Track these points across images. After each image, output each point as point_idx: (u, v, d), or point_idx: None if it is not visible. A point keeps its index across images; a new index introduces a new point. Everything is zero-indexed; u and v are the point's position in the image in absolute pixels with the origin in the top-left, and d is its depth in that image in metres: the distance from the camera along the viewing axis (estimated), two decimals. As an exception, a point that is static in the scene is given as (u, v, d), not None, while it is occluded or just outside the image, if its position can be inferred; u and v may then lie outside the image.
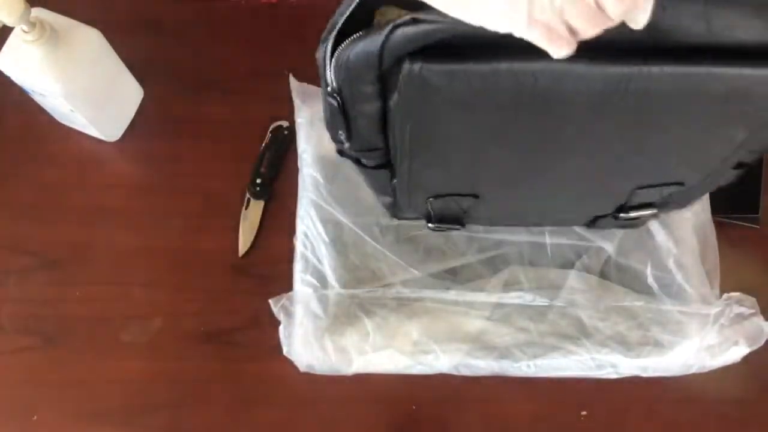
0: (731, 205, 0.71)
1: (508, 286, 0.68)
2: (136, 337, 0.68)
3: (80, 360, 0.67)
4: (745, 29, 0.41)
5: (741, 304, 0.67)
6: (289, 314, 0.66)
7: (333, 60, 0.45)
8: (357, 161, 0.57)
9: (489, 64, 0.40)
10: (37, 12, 0.62)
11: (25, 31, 0.60)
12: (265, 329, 0.66)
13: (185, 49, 0.79)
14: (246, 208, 0.72)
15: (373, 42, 0.42)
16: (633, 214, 0.62)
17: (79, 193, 0.73)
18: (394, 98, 0.45)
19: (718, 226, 0.69)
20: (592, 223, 0.66)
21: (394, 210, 0.65)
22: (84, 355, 0.68)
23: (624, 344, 0.66)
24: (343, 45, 0.44)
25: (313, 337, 0.65)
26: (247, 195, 0.73)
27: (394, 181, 0.58)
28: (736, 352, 0.65)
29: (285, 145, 0.75)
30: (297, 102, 0.71)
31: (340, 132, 0.52)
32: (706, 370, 0.66)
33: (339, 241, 0.67)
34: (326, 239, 0.67)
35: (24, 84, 0.66)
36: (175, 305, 0.69)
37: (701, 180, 0.57)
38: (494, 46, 0.39)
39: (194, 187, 0.73)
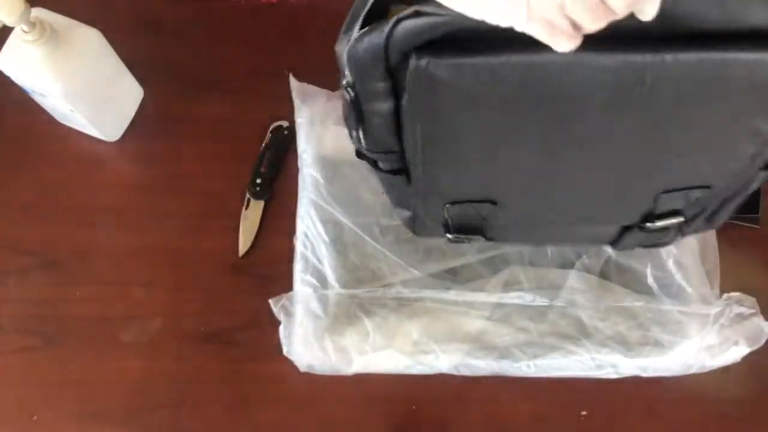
0: (731, 205, 0.71)
1: (508, 286, 0.68)
2: (136, 337, 0.68)
3: (80, 360, 0.67)
4: (761, 11, 0.40)
5: (741, 304, 0.67)
6: (289, 314, 0.66)
7: (345, 53, 0.44)
8: (374, 164, 0.56)
9: (496, 57, 0.40)
10: (37, 12, 0.62)
11: (25, 31, 0.60)
12: (265, 329, 0.66)
13: (185, 49, 0.79)
14: (246, 208, 0.72)
15: (378, 36, 0.42)
16: (660, 224, 0.58)
17: (79, 193, 0.73)
18: (406, 97, 0.45)
19: (718, 226, 0.69)
20: (619, 239, 0.63)
21: (414, 225, 0.63)
22: (84, 355, 0.68)
23: (624, 344, 0.66)
24: (353, 39, 0.43)
25: (313, 337, 0.65)
26: (247, 195, 0.73)
27: (409, 190, 0.56)
28: (736, 352, 0.65)
29: (285, 145, 0.75)
30: (297, 102, 0.71)
31: (354, 131, 0.51)
32: (706, 370, 0.66)
33: (339, 241, 0.67)
34: (326, 239, 0.67)
35: (24, 84, 0.66)
36: (175, 305, 0.69)
37: (729, 182, 0.54)
38: (501, 39, 0.38)
39: (194, 187, 0.73)
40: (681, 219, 0.58)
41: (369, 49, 0.43)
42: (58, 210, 0.73)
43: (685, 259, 0.68)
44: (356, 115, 0.49)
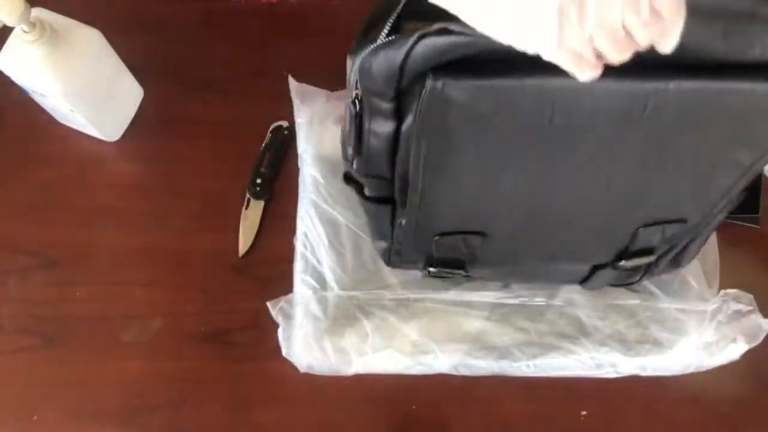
0: (731, 204, 0.71)
1: (506, 286, 0.68)
2: (136, 337, 0.68)
3: (80, 360, 0.67)
4: (764, 46, 0.41)
5: (738, 300, 0.67)
6: (287, 317, 0.66)
7: (358, 66, 0.44)
8: (360, 190, 0.56)
9: (510, 80, 0.40)
10: (37, 12, 0.62)
11: (25, 31, 0.60)
12: (265, 329, 0.66)
13: (185, 49, 0.79)
14: (246, 208, 0.72)
15: (397, 51, 0.42)
16: (632, 263, 0.61)
17: (79, 193, 0.73)
18: (409, 121, 0.45)
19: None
20: (589, 277, 0.65)
21: (390, 257, 0.63)
22: (84, 355, 0.68)
23: (623, 343, 0.66)
24: (367, 51, 0.43)
25: (313, 338, 0.65)
26: (247, 195, 0.73)
27: (400, 221, 0.57)
28: (735, 350, 0.66)
29: (285, 145, 0.75)
30: (296, 102, 0.72)
31: (350, 149, 0.51)
32: (705, 368, 0.66)
33: (339, 242, 0.67)
34: (326, 240, 0.67)
35: (24, 84, 0.66)
36: (175, 305, 0.69)
37: (702, 218, 0.57)
38: (517, 62, 0.39)
39: (194, 187, 0.73)
40: (652, 258, 0.61)
41: (384, 64, 0.43)
42: (58, 210, 0.73)
43: (685, 258, 0.68)
44: (357, 132, 0.49)
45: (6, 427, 0.66)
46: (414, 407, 0.67)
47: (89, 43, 0.66)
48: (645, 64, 0.39)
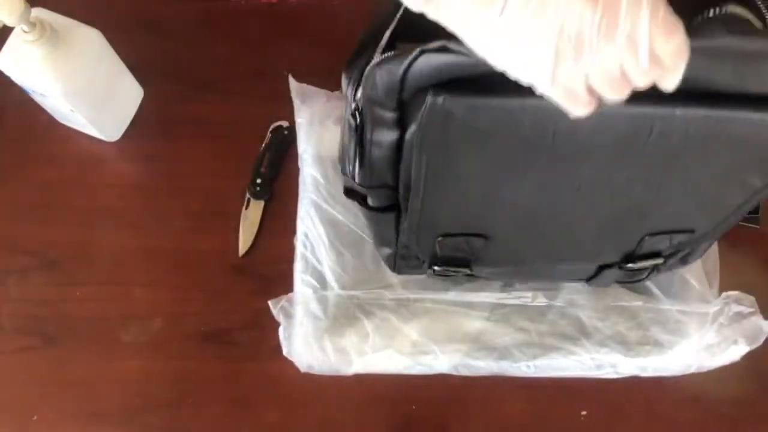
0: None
1: (507, 286, 0.68)
2: (136, 337, 0.68)
3: (80, 360, 0.67)
4: None
5: (740, 303, 0.67)
6: (288, 316, 0.66)
7: (360, 79, 0.45)
8: (363, 201, 0.56)
9: (512, 100, 0.40)
10: (37, 12, 0.62)
11: (25, 31, 0.60)
12: (265, 329, 0.66)
13: (185, 49, 0.79)
14: (246, 208, 0.72)
15: (397, 66, 0.42)
16: (639, 265, 0.61)
17: (79, 193, 0.73)
18: (412, 129, 0.45)
19: (718, 226, 0.69)
20: (596, 276, 0.65)
21: (395, 262, 0.63)
22: (84, 355, 0.68)
23: (623, 344, 0.66)
24: (369, 66, 0.44)
25: (313, 338, 0.65)
26: (247, 195, 0.73)
27: (402, 224, 0.57)
28: (736, 351, 0.66)
29: (285, 145, 0.75)
30: (297, 102, 0.71)
31: (350, 163, 0.51)
32: (705, 369, 0.66)
33: (339, 242, 0.67)
34: (326, 240, 0.67)
35: (24, 84, 0.66)
36: (175, 305, 0.69)
37: (711, 228, 0.57)
38: (517, 82, 0.38)
39: (194, 187, 0.73)
40: (660, 261, 0.60)
41: (386, 77, 0.43)
42: (58, 210, 0.73)
43: (685, 259, 0.68)
44: (358, 145, 0.49)
45: (6, 427, 0.66)
46: (414, 407, 0.67)
47: (89, 43, 0.66)
48: (651, 90, 0.38)
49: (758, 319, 0.66)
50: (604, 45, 0.34)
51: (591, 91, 0.36)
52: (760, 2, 0.40)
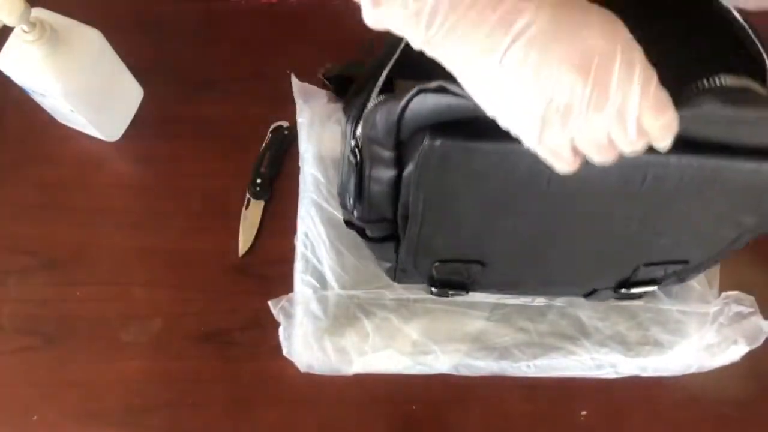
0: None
1: (508, 286, 0.68)
2: (136, 337, 0.68)
3: (80, 360, 0.67)
4: (763, 136, 0.41)
5: (740, 303, 0.67)
6: (288, 316, 0.66)
7: (361, 119, 0.46)
8: (362, 233, 0.57)
9: (508, 145, 0.40)
10: (37, 12, 0.62)
11: (25, 31, 0.60)
12: (266, 329, 0.66)
13: (185, 49, 0.79)
14: (246, 208, 0.72)
15: (396, 105, 0.42)
16: (634, 291, 0.62)
17: (79, 193, 0.73)
18: (410, 168, 0.46)
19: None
20: (590, 294, 0.66)
21: (395, 274, 0.64)
22: (84, 355, 0.68)
23: (623, 344, 0.66)
24: (370, 106, 0.45)
25: (313, 338, 0.65)
26: (247, 195, 0.73)
27: (400, 250, 0.58)
28: (736, 351, 0.66)
29: (285, 145, 0.75)
30: (299, 102, 0.71)
31: (349, 198, 0.52)
32: (705, 369, 0.66)
33: (339, 242, 0.67)
34: (326, 240, 0.67)
35: (24, 84, 0.66)
36: (175, 305, 0.69)
37: (705, 259, 0.58)
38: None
39: (194, 187, 0.73)
40: (654, 288, 0.62)
41: (384, 118, 0.44)
42: (58, 210, 0.73)
43: (685, 259, 0.68)
44: (357, 181, 0.50)
45: (6, 427, 0.66)
46: (414, 407, 0.67)
47: (89, 43, 0.66)
48: None
49: (758, 319, 0.66)
50: (593, 116, 0.34)
51: (576, 151, 0.36)
52: None
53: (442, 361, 0.65)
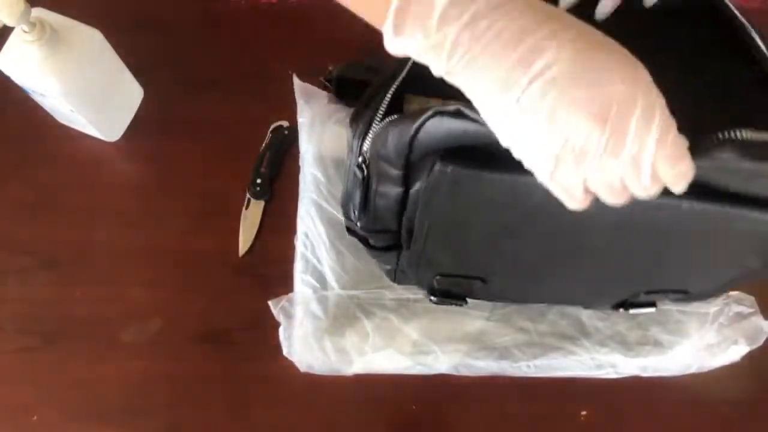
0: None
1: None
2: (136, 337, 0.68)
3: (80, 360, 0.67)
4: None
5: (740, 303, 0.67)
6: (288, 316, 0.66)
7: (369, 135, 0.46)
8: (365, 241, 0.57)
9: (517, 176, 0.40)
10: (38, 12, 0.62)
11: (25, 32, 0.60)
12: (266, 329, 0.66)
13: (185, 49, 0.79)
14: (246, 208, 0.72)
15: (410, 125, 0.42)
16: (632, 311, 0.63)
17: (79, 193, 0.73)
18: (417, 187, 0.46)
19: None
20: (590, 307, 0.67)
21: (395, 276, 0.64)
22: (84, 355, 0.68)
23: (623, 344, 0.66)
24: (382, 123, 0.45)
25: (313, 338, 0.65)
26: (247, 195, 0.73)
27: (402, 258, 0.58)
28: (736, 352, 0.66)
29: (285, 145, 0.75)
30: (300, 102, 0.72)
31: (353, 208, 0.52)
32: (705, 369, 0.66)
33: (339, 242, 0.67)
34: (326, 240, 0.67)
35: (24, 84, 0.66)
36: (175, 305, 0.69)
37: (706, 291, 0.60)
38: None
39: (194, 187, 0.73)
40: (653, 309, 0.63)
41: (397, 137, 0.44)
42: (58, 210, 0.73)
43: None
44: (363, 195, 0.50)
45: (6, 427, 0.66)
46: (414, 407, 0.67)
47: (89, 43, 0.66)
48: None
49: (758, 319, 0.66)
50: (607, 160, 0.34)
51: (588, 191, 0.36)
52: None
53: (442, 361, 0.65)
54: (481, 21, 0.34)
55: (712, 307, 0.67)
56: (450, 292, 0.63)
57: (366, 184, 0.49)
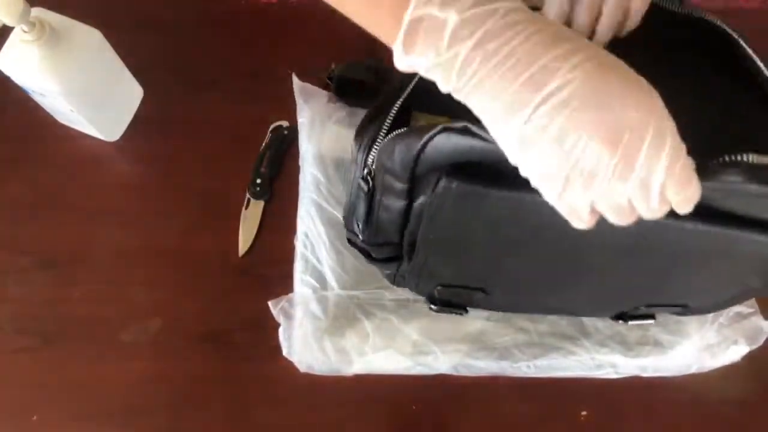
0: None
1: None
2: (136, 337, 0.68)
3: (80, 360, 0.67)
4: None
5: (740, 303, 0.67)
6: (288, 316, 0.66)
7: (374, 148, 0.46)
8: (366, 254, 0.57)
9: (522, 194, 0.40)
10: (37, 12, 0.62)
11: (25, 31, 0.60)
12: (266, 329, 0.66)
13: (185, 49, 0.79)
14: (246, 208, 0.72)
15: (417, 140, 0.42)
16: (631, 323, 0.64)
17: (79, 193, 0.73)
18: (421, 200, 0.46)
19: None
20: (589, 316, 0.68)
21: (394, 279, 0.64)
22: (84, 356, 0.67)
23: (623, 344, 0.66)
24: (388, 137, 0.45)
25: (313, 338, 0.65)
26: (247, 195, 0.73)
27: (402, 267, 0.58)
28: (736, 352, 0.66)
29: (285, 145, 0.75)
30: (299, 101, 0.72)
31: (357, 222, 0.52)
32: (706, 369, 0.66)
33: (339, 242, 0.67)
34: (326, 240, 0.67)
35: (24, 84, 0.66)
36: (175, 305, 0.69)
37: (706, 307, 0.60)
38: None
39: (194, 187, 0.73)
40: (651, 321, 0.64)
41: (404, 152, 0.44)
42: (57, 210, 0.72)
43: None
44: (367, 207, 0.50)
45: (6, 427, 0.66)
46: (414, 407, 0.67)
47: (89, 43, 0.66)
48: None
49: (758, 320, 0.66)
50: (616, 183, 0.34)
51: (594, 211, 0.36)
52: None
53: (442, 362, 0.65)
54: (492, 41, 0.34)
55: (712, 307, 0.67)
56: (450, 302, 0.63)
57: (371, 196, 0.49)
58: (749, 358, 0.66)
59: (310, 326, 0.65)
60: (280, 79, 0.72)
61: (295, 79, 0.72)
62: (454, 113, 0.38)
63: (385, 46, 0.38)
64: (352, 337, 0.65)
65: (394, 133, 0.45)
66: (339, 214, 0.68)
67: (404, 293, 0.67)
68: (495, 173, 0.40)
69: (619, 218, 0.36)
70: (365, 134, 0.48)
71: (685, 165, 0.34)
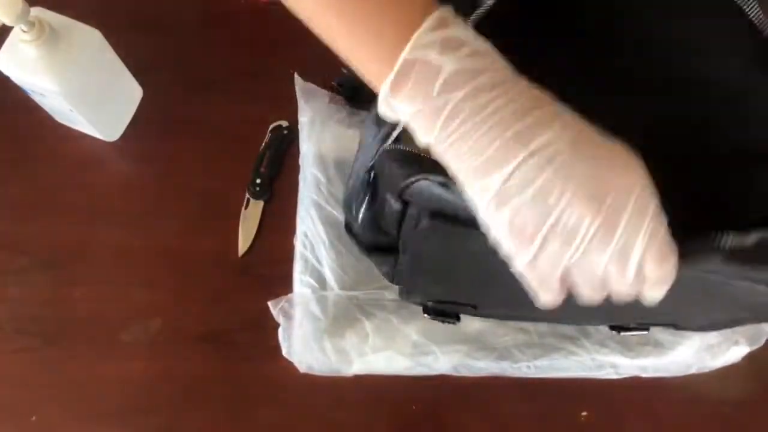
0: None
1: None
2: (136, 337, 0.68)
3: (80, 360, 0.67)
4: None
5: (741, 304, 0.67)
6: (288, 316, 0.66)
7: (380, 149, 0.46)
8: (361, 243, 0.57)
9: None
10: (37, 12, 0.62)
11: (24, 31, 0.60)
12: (265, 329, 0.66)
13: (185, 49, 0.79)
14: (246, 208, 0.72)
15: (399, 178, 0.43)
16: (625, 334, 0.64)
17: (79, 193, 0.73)
18: (412, 210, 0.46)
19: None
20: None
21: (392, 276, 0.63)
22: (84, 356, 0.68)
23: (624, 344, 0.66)
24: (390, 148, 0.44)
25: (313, 338, 0.65)
26: (247, 195, 0.73)
27: (398, 265, 0.58)
28: (737, 352, 0.65)
29: (285, 144, 0.75)
30: (301, 101, 0.71)
31: (356, 205, 0.52)
32: (706, 370, 0.66)
33: (339, 242, 0.67)
34: (326, 240, 0.67)
35: (24, 84, 0.66)
36: (175, 305, 0.69)
37: (698, 329, 0.61)
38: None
39: (194, 187, 0.73)
40: (646, 331, 0.63)
41: (391, 173, 0.44)
42: (57, 210, 0.73)
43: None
44: (369, 196, 0.50)
45: (6, 427, 0.66)
46: (414, 407, 0.67)
47: (89, 43, 0.66)
48: None
49: (759, 320, 0.66)
50: (594, 250, 0.33)
51: (564, 282, 0.36)
52: None
53: (441, 362, 0.65)
54: (484, 93, 0.33)
55: (712, 307, 0.67)
56: (444, 312, 0.63)
57: (374, 186, 0.49)
58: (749, 358, 0.66)
59: (309, 326, 0.65)
60: (280, 79, 0.72)
61: (298, 79, 0.72)
62: None
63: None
64: (351, 338, 0.65)
65: (389, 143, 0.44)
66: (339, 214, 0.68)
67: (404, 293, 0.67)
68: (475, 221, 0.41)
69: (590, 290, 0.36)
70: (382, 124, 0.46)
71: (665, 238, 0.34)
